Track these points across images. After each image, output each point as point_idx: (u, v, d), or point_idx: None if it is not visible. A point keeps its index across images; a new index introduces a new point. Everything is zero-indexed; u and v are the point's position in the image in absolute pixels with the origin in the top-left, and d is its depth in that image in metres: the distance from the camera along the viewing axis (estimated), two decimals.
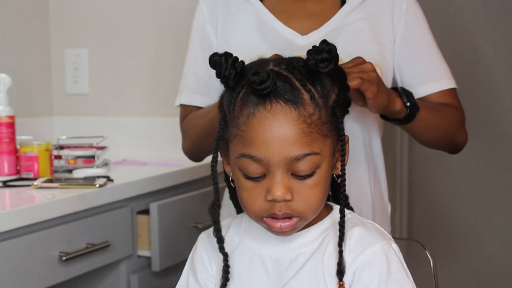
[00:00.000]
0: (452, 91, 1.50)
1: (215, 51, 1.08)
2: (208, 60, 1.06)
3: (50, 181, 1.78)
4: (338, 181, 1.09)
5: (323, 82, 1.04)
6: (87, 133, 2.28)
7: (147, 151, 2.35)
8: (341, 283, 1.03)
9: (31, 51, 2.42)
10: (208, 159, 1.13)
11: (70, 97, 2.50)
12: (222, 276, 1.09)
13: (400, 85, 1.47)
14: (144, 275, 1.87)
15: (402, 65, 1.48)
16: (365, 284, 1.03)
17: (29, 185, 1.75)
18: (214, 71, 1.05)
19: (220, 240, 1.10)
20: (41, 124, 2.43)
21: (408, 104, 1.34)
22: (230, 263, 1.09)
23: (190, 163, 1.67)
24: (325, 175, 1.04)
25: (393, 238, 1.11)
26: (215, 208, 1.10)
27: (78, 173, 1.90)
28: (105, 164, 1.98)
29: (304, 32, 1.45)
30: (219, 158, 1.10)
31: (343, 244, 1.04)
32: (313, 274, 1.05)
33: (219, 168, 1.14)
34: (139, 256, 1.88)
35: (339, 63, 1.07)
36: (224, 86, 1.06)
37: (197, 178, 2.06)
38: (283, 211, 1.02)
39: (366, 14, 1.46)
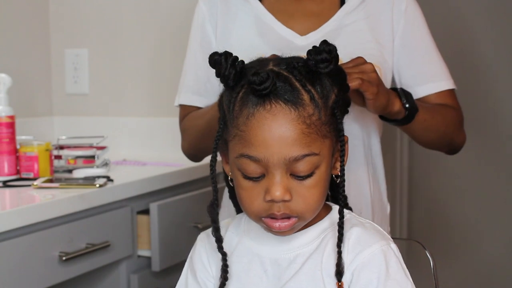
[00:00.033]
0: (450, 91, 1.50)
1: (214, 50, 1.08)
2: (207, 59, 1.05)
3: (50, 181, 1.78)
4: (337, 181, 1.09)
5: (323, 83, 1.04)
6: (87, 133, 2.28)
7: (147, 151, 2.35)
8: (339, 283, 1.03)
9: (31, 51, 2.42)
10: (208, 159, 1.13)
11: (70, 97, 2.50)
12: (221, 275, 1.09)
13: (399, 85, 1.48)
14: (144, 275, 1.87)
15: (401, 65, 1.48)
16: (364, 284, 1.03)
17: (29, 185, 1.75)
18: (214, 70, 1.05)
19: (219, 240, 1.10)
20: (41, 124, 2.43)
21: (407, 105, 1.34)
22: (229, 263, 1.09)
23: (190, 163, 1.67)
24: (324, 176, 1.04)
25: (393, 238, 1.11)
26: (213, 208, 1.10)
27: (78, 173, 1.90)
28: (105, 164, 1.98)
29: (303, 32, 1.45)
30: (219, 158, 1.10)
31: (341, 244, 1.04)
32: (312, 275, 1.05)
33: (219, 168, 1.14)
34: (139, 256, 1.88)
35: (338, 63, 1.07)
36: (224, 86, 1.06)
37: (197, 178, 2.06)
38: (281, 211, 1.02)
39: (366, 14, 1.46)
